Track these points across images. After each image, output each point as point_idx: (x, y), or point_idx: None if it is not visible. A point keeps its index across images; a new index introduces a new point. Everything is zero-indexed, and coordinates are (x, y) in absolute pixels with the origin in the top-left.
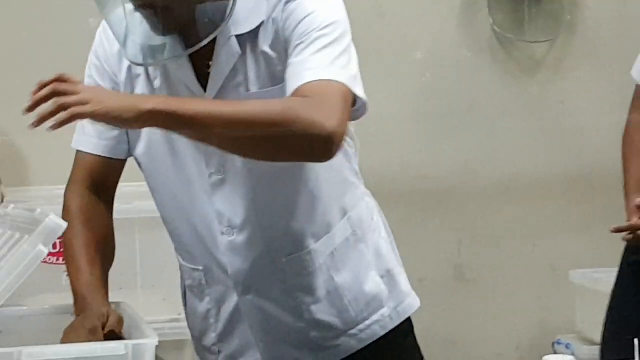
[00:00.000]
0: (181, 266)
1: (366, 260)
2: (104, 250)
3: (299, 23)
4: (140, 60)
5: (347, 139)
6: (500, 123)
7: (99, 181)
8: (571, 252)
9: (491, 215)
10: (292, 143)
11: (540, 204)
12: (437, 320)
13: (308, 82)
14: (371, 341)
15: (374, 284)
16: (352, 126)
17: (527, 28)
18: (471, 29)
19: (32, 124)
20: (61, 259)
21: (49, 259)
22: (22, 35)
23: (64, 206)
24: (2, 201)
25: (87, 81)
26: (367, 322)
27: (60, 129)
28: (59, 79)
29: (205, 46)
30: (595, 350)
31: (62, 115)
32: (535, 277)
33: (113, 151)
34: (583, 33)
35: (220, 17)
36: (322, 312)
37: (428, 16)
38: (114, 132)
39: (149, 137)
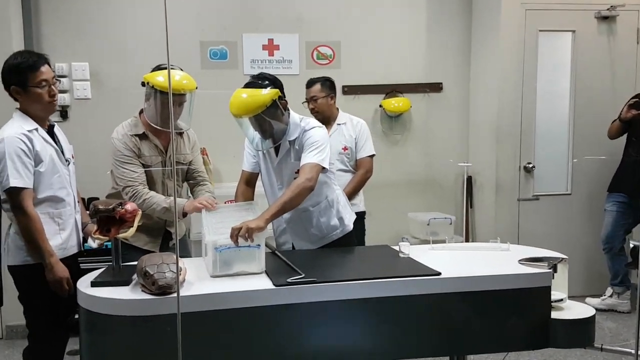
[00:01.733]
0: None
1: (332, 213)
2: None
3: (307, 140)
4: (258, 148)
5: (330, 168)
6: (386, 162)
7: (249, 180)
8: (409, 206)
9: (383, 193)
10: (305, 196)
11: (400, 190)
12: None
13: (305, 163)
14: (331, 241)
15: (334, 221)
16: (333, 165)
17: (394, 130)
18: (374, 130)
19: (235, 243)
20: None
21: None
22: None
23: (236, 190)
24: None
25: (246, 149)
26: (330, 235)
27: (228, 163)
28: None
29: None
30: (417, 241)
31: (249, 236)
32: (396, 216)
33: (254, 169)
34: (412, 131)
35: (284, 132)
36: (313, 229)
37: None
38: (254, 162)
39: (262, 167)
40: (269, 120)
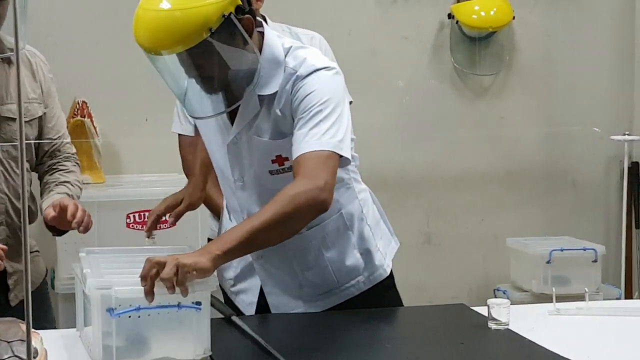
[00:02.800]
0: None
1: (351, 242)
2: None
3: (303, 99)
4: (195, 114)
5: (351, 160)
6: (457, 132)
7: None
8: (508, 225)
9: (450, 198)
10: (306, 221)
11: (485, 190)
12: (412, 272)
13: (305, 153)
14: (346, 298)
15: (354, 259)
16: (353, 148)
17: (478, 65)
18: (438, 65)
19: (149, 299)
20: (140, 225)
21: (136, 226)
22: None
23: (185, 162)
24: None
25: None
26: (346, 285)
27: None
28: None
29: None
30: (524, 296)
31: (181, 282)
32: (482, 242)
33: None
34: (517, 69)
35: (249, 81)
36: (312, 275)
37: (407, 55)
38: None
39: (208, 142)
40: (220, 57)
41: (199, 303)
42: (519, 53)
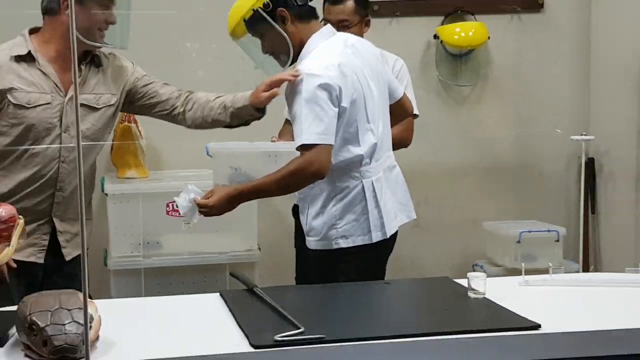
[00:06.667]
0: None
1: (320, 208)
2: None
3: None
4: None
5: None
6: (442, 134)
7: None
8: (484, 211)
9: (436, 189)
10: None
11: (466, 182)
12: (405, 251)
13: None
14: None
15: (317, 223)
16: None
17: (459, 77)
18: (425, 78)
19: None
20: (178, 213)
21: (174, 213)
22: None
23: None
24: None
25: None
26: (307, 238)
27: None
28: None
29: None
30: (498, 270)
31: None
32: (463, 226)
33: None
34: (492, 80)
35: (285, 56)
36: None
37: None
38: None
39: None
40: (259, 36)
41: None
42: (493, 67)
